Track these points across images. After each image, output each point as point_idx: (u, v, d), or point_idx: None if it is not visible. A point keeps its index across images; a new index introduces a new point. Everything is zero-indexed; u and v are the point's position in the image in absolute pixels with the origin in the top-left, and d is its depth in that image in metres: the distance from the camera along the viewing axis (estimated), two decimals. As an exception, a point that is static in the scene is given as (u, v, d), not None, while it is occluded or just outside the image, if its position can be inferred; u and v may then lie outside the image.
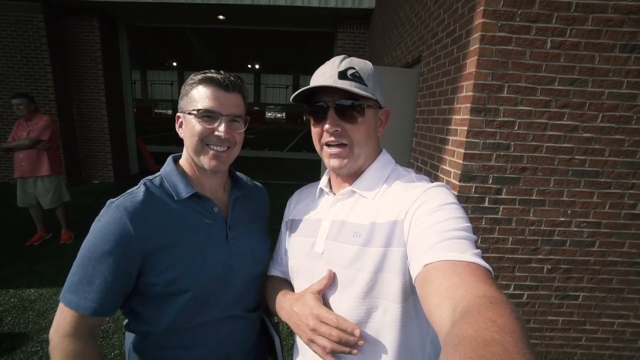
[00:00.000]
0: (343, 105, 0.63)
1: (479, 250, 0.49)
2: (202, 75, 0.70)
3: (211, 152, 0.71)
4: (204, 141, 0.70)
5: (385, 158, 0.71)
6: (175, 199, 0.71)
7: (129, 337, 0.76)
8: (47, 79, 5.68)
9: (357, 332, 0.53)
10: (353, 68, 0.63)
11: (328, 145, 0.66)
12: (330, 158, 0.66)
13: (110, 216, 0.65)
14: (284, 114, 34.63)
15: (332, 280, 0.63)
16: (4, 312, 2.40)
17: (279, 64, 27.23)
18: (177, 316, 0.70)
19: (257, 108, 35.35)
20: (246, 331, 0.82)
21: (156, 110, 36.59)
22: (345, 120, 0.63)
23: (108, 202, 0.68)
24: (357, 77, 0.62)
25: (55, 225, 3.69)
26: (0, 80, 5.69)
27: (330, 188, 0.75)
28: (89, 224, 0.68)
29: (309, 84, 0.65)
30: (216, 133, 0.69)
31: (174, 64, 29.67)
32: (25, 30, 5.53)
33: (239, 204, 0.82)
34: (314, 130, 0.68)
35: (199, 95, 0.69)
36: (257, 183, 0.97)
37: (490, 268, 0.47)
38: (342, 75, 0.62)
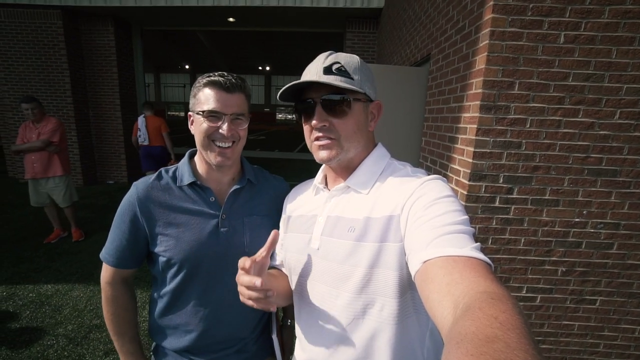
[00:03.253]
0: (329, 100, 0.62)
1: (478, 244, 0.48)
2: (207, 79, 0.77)
3: (217, 149, 0.78)
4: (210, 137, 0.78)
5: (379, 152, 0.70)
6: (177, 185, 0.83)
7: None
8: (64, 82, 5.88)
9: (257, 283, 0.53)
10: (338, 62, 0.63)
11: (317, 139, 0.66)
12: (319, 150, 0.66)
13: (128, 193, 0.82)
14: (294, 116, 34.79)
15: (277, 237, 0.63)
16: (23, 306, 2.49)
17: (289, 66, 27.39)
18: (173, 286, 0.82)
19: (267, 110, 35.63)
20: (243, 322, 0.88)
21: (169, 112, 37.34)
22: (333, 115, 0.63)
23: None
24: (342, 71, 0.62)
25: (68, 225, 3.80)
26: (22, 85, 5.92)
27: (325, 184, 0.74)
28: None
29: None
30: (220, 131, 0.77)
31: (187, 67, 30.25)
32: (45, 37, 5.74)
33: (240, 197, 0.87)
34: (305, 128, 0.68)
35: (204, 97, 0.77)
36: (277, 176, 1.00)
37: (490, 262, 0.45)
38: (327, 70, 0.63)
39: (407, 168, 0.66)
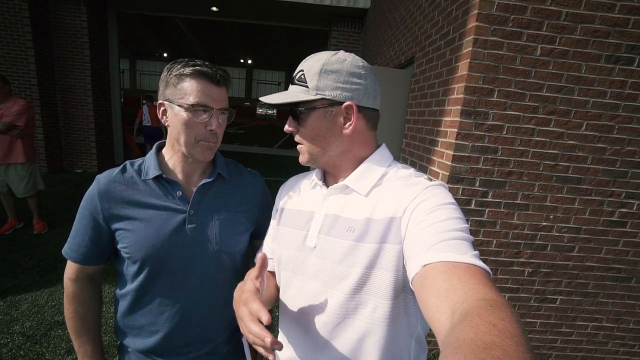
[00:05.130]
0: (290, 110, 0.66)
1: (477, 252, 0.48)
2: (193, 68, 0.71)
3: (204, 144, 0.75)
4: (195, 131, 0.73)
5: (380, 154, 0.70)
6: (142, 178, 0.78)
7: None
8: (28, 62, 5.44)
9: (267, 341, 0.48)
10: (302, 70, 0.63)
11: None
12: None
13: (90, 187, 0.78)
14: (275, 111, 34.40)
15: (265, 263, 0.60)
16: (-27, 302, 2.29)
17: (271, 60, 27.01)
18: (137, 285, 0.78)
19: (247, 103, 34.99)
20: (214, 323, 0.84)
21: (144, 102, 35.82)
22: (297, 123, 0.66)
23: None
24: (301, 80, 0.63)
25: (28, 215, 3.53)
26: (-21, 61, 5.42)
27: (324, 181, 0.73)
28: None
29: None
30: (209, 128, 0.73)
31: (165, 55, 29.02)
32: (5, 10, 5.28)
33: (210, 192, 0.82)
34: None
35: (191, 88, 0.71)
36: (252, 171, 0.95)
37: (489, 270, 0.46)
38: (293, 79, 0.65)
39: (410, 171, 0.66)
